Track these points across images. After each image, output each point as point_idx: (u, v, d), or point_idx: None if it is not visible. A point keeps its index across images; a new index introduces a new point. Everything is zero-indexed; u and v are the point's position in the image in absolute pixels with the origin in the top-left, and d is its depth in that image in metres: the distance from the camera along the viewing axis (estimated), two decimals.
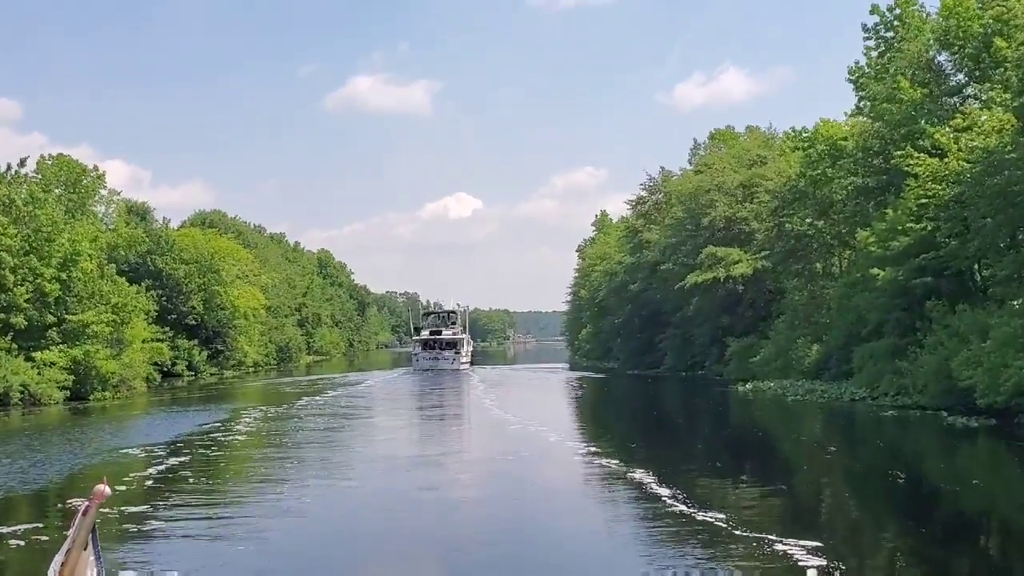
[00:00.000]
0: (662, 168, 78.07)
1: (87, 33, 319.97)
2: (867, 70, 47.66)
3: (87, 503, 6.81)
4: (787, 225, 51.89)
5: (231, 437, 30.96)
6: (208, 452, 26.93)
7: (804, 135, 47.52)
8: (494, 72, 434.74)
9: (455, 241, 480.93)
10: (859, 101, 48.31)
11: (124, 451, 27.30)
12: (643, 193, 79.25)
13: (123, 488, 19.51)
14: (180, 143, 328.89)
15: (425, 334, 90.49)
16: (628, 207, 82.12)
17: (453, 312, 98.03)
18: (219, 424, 35.15)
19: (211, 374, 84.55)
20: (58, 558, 7.03)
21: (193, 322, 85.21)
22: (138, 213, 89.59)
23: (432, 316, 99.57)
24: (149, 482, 21.09)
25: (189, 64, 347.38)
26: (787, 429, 35.84)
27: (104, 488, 6.82)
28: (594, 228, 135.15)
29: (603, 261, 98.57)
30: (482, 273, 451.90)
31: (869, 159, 43.72)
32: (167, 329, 79.97)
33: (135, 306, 56.42)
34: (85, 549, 7.07)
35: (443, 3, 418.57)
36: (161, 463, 24.19)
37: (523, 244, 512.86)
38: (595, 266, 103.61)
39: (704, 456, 26.90)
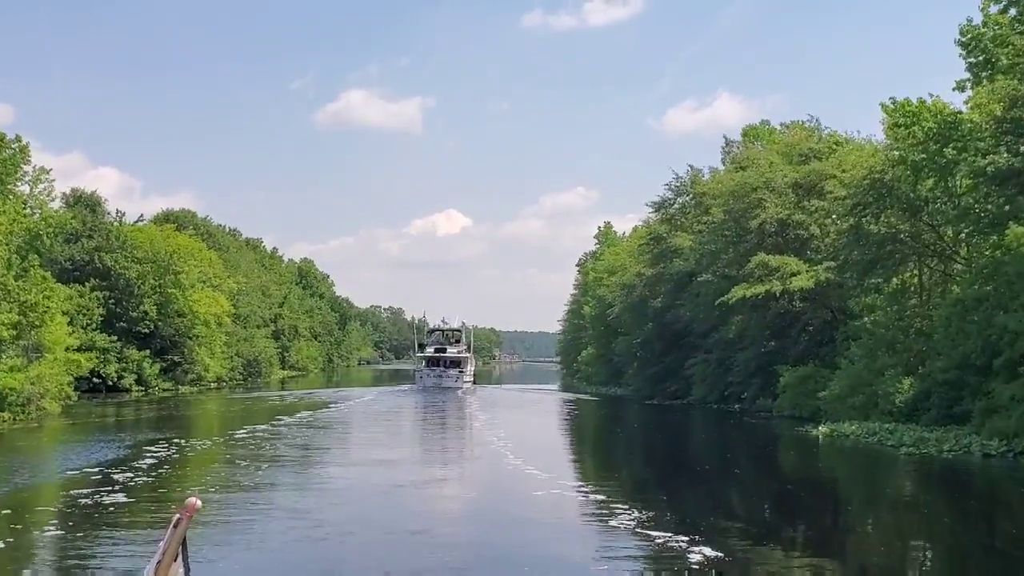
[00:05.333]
0: (690, 167, 67.37)
1: (81, 42, 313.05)
2: (985, 29, 37.23)
3: (178, 516, 6.78)
4: (871, 227, 41.19)
5: (96, 498, 19.85)
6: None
7: (907, 108, 36.95)
8: (487, 90, 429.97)
9: (442, 258, 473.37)
10: (972, 68, 37.84)
11: None
12: (668, 194, 68.38)
13: None
14: (172, 153, 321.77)
15: (430, 351, 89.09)
16: (650, 209, 71.14)
17: (458, 330, 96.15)
18: (96, 471, 24.05)
19: (164, 389, 73.81)
20: (149, 568, 6.89)
21: (145, 330, 74.35)
22: (87, 204, 78.32)
23: (437, 333, 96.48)
24: None
25: (183, 74, 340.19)
26: (936, 502, 25.06)
27: (196, 501, 6.80)
28: (596, 241, 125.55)
29: (612, 275, 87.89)
30: (468, 291, 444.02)
31: (1000, 136, 33.21)
32: (114, 337, 69.35)
33: (47, 306, 44.97)
34: (175, 561, 6.91)
35: (438, 21, 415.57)
36: None
37: (510, 264, 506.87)
38: (602, 280, 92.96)
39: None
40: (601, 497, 21.33)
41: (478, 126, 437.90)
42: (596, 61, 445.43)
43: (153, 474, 23.66)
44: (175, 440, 31.92)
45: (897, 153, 38.68)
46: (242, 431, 36.08)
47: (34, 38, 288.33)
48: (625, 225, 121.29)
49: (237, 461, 27.16)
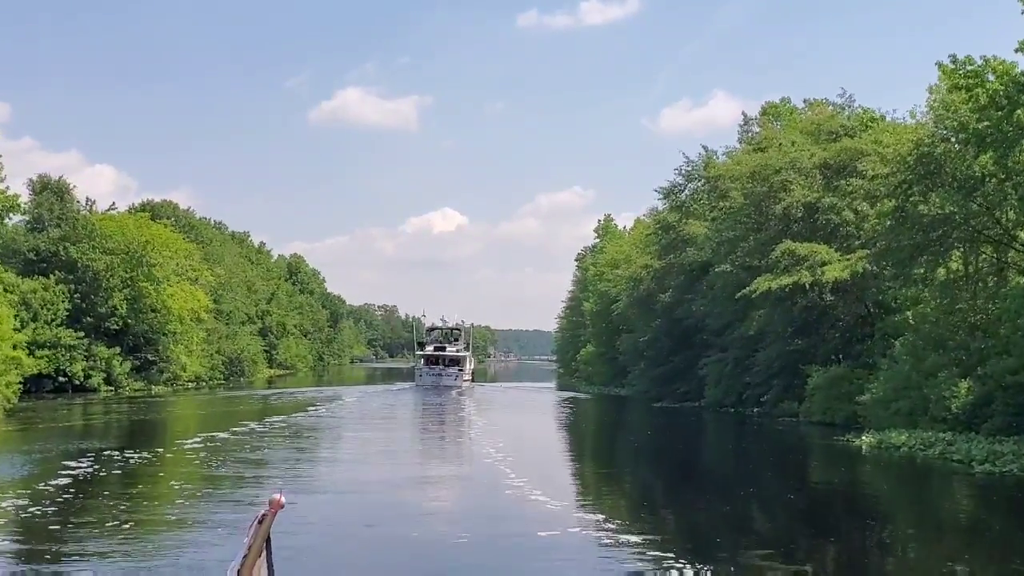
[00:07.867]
0: (704, 148, 62.14)
1: (78, 41, 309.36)
2: None
3: (263, 512, 6.49)
4: (920, 207, 36.08)
5: None
6: None
7: (970, 68, 32.00)
8: (483, 89, 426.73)
9: (438, 257, 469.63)
10: None
11: None
12: (678, 179, 63.09)
13: None
14: (167, 151, 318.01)
15: (430, 349, 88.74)
16: (658, 196, 65.75)
17: (457, 328, 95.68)
18: None
19: (135, 389, 68.87)
20: (233, 565, 6.58)
21: (115, 325, 69.33)
22: (54, 191, 73.11)
23: (436, 332, 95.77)
24: None
25: (178, 72, 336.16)
26: None
27: (280, 498, 6.46)
28: (596, 235, 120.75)
29: (615, 268, 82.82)
30: (464, 290, 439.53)
31: None
32: (81, 333, 64.46)
33: None
34: (260, 557, 6.70)
35: (433, 20, 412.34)
36: None
37: (506, 262, 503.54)
38: (604, 275, 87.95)
39: None
40: (633, 539, 16.25)
41: (474, 125, 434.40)
42: (592, 61, 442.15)
43: (51, 503, 18.43)
44: (107, 451, 26.65)
45: (955, 122, 33.53)
46: (195, 440, 30.85)
47: (31, 37, 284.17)
48: (621, 224, 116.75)
49: (171, 482, 22.05)
